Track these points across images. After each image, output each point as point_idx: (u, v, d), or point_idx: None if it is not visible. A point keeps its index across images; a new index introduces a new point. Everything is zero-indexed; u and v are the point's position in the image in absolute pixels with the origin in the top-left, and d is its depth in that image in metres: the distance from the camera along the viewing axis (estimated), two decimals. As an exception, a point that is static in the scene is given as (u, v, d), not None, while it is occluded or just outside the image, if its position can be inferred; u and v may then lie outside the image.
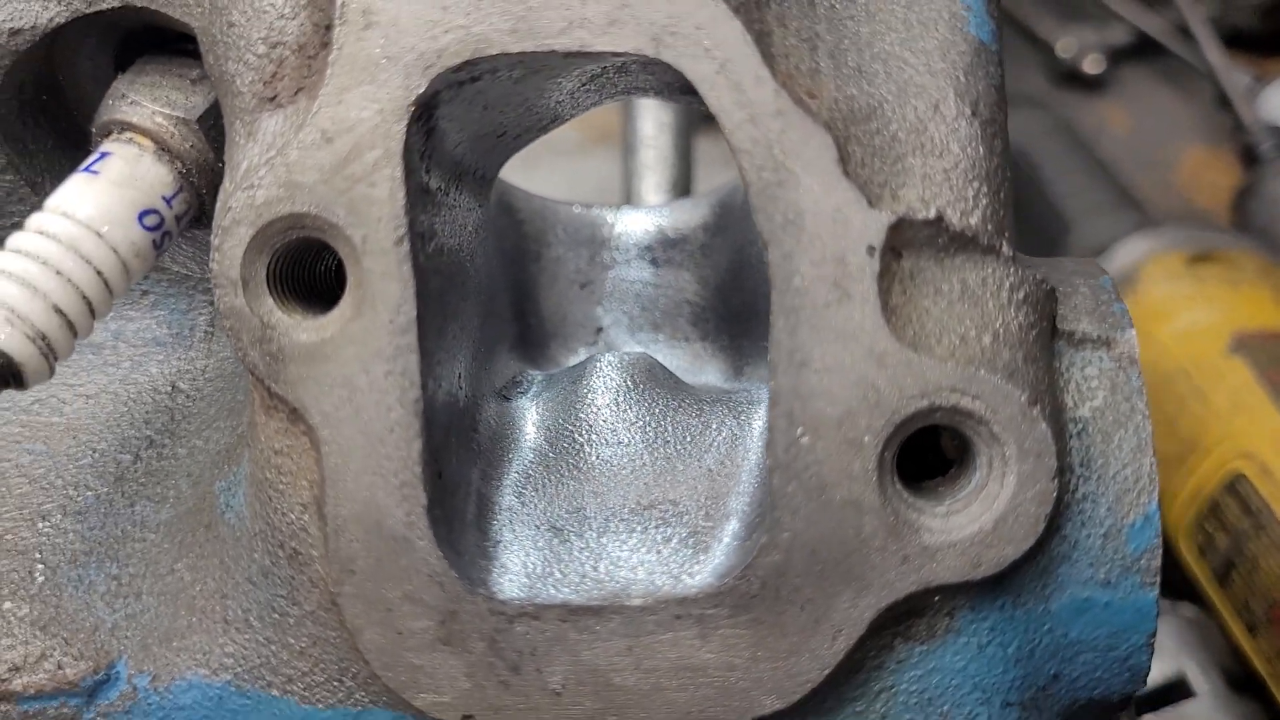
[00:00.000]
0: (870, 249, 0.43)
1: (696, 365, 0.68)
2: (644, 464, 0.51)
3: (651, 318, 0.68)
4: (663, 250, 0.69)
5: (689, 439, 0.52)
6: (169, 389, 0.56)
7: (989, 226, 0.45)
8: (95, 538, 0.53)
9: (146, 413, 0.56)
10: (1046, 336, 0.46)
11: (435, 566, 0.45)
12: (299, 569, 0.47)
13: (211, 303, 0.57)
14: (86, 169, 0.49)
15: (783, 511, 0.44)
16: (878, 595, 0.44)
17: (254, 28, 0.46)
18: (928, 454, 0.47)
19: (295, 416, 0.46)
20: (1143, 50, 1.47)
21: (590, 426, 0.53)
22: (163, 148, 0.50)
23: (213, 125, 0.51)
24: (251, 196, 0.45)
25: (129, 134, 0.50)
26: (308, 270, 0.48)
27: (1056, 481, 0.44)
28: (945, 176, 0.44)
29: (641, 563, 0.48)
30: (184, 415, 0.56)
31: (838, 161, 0.43)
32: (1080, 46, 1.42)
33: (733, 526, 0.48)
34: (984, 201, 0.45)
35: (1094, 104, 1.45)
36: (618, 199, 1.05)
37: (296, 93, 0.45)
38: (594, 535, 0.49)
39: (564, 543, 0.49)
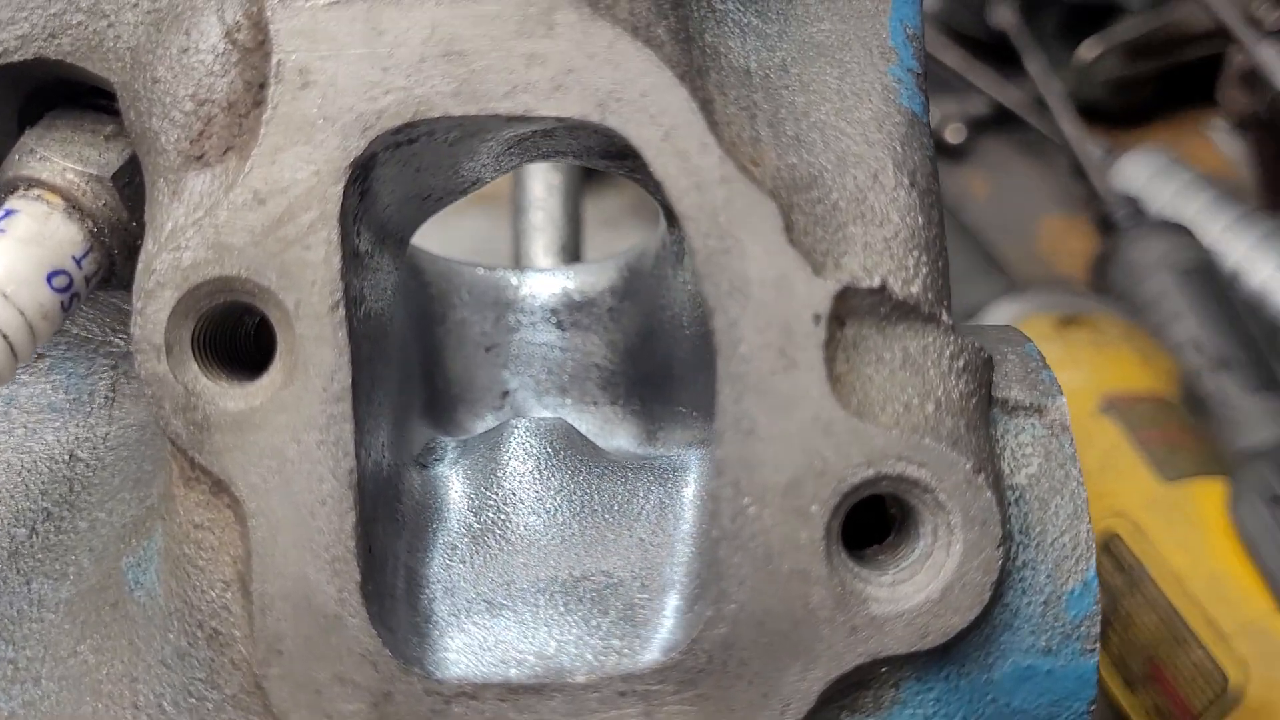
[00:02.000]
0: (816, 317, 0.43)
1: (607, 430, 0.67)
2: (573, 533, 0.50)
3: (559, 381, 0.68)
4: (568, 313, 0.69)
5: (616, 508, 0.51)
6: (67, 458, 0.53)
7: (929, 295, 0.45)
8: (-12, 619, 0.49)
9: (43, 483, 0.53)
10: (985, 404, 0.46)
11: (368, 645, 0.43)
12: (219, 650, 0.45)
13: (114, 366, 0.55)
14: (-10, 227, 0.47)
15: (729, 583, 0.43)
16: (826, 667, 0.44)
17: (181, 84, 0.44)
18: (860, 521, 0.47)
19: (219, 488, 0.44)
20: (1002, 121, 1.53)
21: (515, 496, 0.52)
22: (73, 205, 0.48)
23: (127, 183, 0.49)
24: (178, 258, 0.43)
25: (37, 190, 0.48)
26: (227, 334, 0.46)
27: (1002, 549, 0.44)
28: (886, 245, 0.45)
29: (578, 638, 0.47)
30: (84, 486, 0.53)
31: (783, 230, 0.43)
32: (942, 116, 1.47)
33: (673, 599, 0.47)
34: (924, 270, 0.45)
35: (956, 173, 1.49)
36: (495, 260, 1.04)
37: (225, 152, 0.44)
38: (528, 609, 0.48)
39: (497, 617, 0.47)
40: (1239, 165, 1.45)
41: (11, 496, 0.52)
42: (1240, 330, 1.21)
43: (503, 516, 0.51)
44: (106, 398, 0.54)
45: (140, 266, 0.44)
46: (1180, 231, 1.28)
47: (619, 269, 0.68)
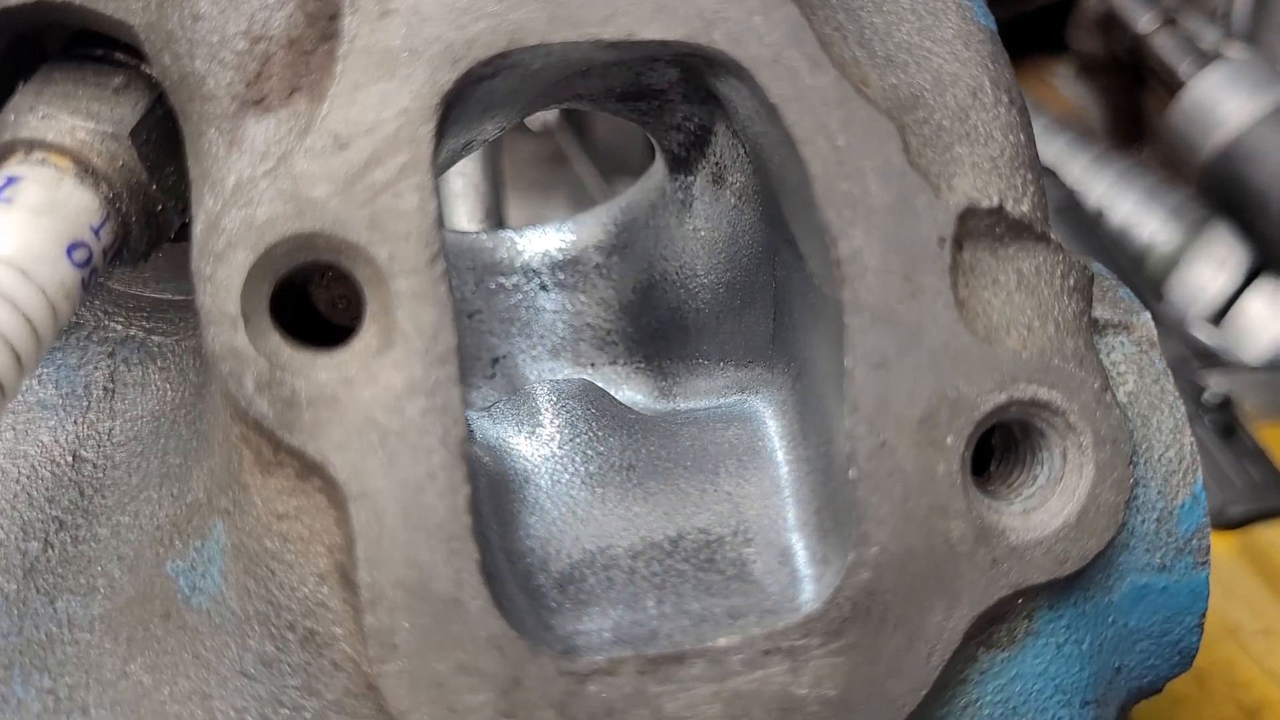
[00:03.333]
0: (940, 240, 0.41)
1: (611, 390, 0.64)
2: (653, 493, 0.47)
3: (550, 344, 0.64)
4: (551, 273, 0.65)
5: (690, 463, 0.48)
6: (70, 459, 0.47)
7: (1038, 214, 0.44)
8: (13, 646, 0.43)
9: (47, 490, 0.46)
10: (1091, 322, 0.45)
11: (493, 629, 0.39)
12: (317, 652, 0.40)
13: (110, 354, 0.49)
14: (-6, 197, 0.40)
15: (869, 524, 0.41)
16: (971, 604, 0.42)
17: (230, 20, 0.39)
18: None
19: (308, 471, 0.39)
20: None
21: (579, 459, 0.48)
22: (85, 169, 0.42)
23: (145, 140, 0.43)
24: (251, 215, 0.38)
25: (41, 154, 0.42)
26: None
27: (1132, 467, 0.43)
28: (994, 165, 0.43)
29: (697, 598, 0.44)
30: (96, 488, 0.47)
31: (902, 151, 0.41)
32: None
33: (791, 549, 0.45)
34: (1031, 189, 0.44)
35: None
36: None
37: (291, 94, 0.39)
38: (632, 575, 0.44)
39: (602, 586, 0.44)
40: (1085, 109, 1.50)
41: (14, 508, 0.46)
42: (1114, 267, 1.24)
43: (577, 480, 0.48)
44: (105, 389, 0.48)
45: (201, 227, 0.39)
46: (1047, 173, 1.31)
47: (603, 224, 0.65)
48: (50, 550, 0.45)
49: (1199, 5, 1.33)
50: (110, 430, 0.48)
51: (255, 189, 0.38)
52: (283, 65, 0.39)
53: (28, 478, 0.47)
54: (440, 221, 0.39)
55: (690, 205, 0.59)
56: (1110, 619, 0.45)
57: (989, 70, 0.44)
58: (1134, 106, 1.39)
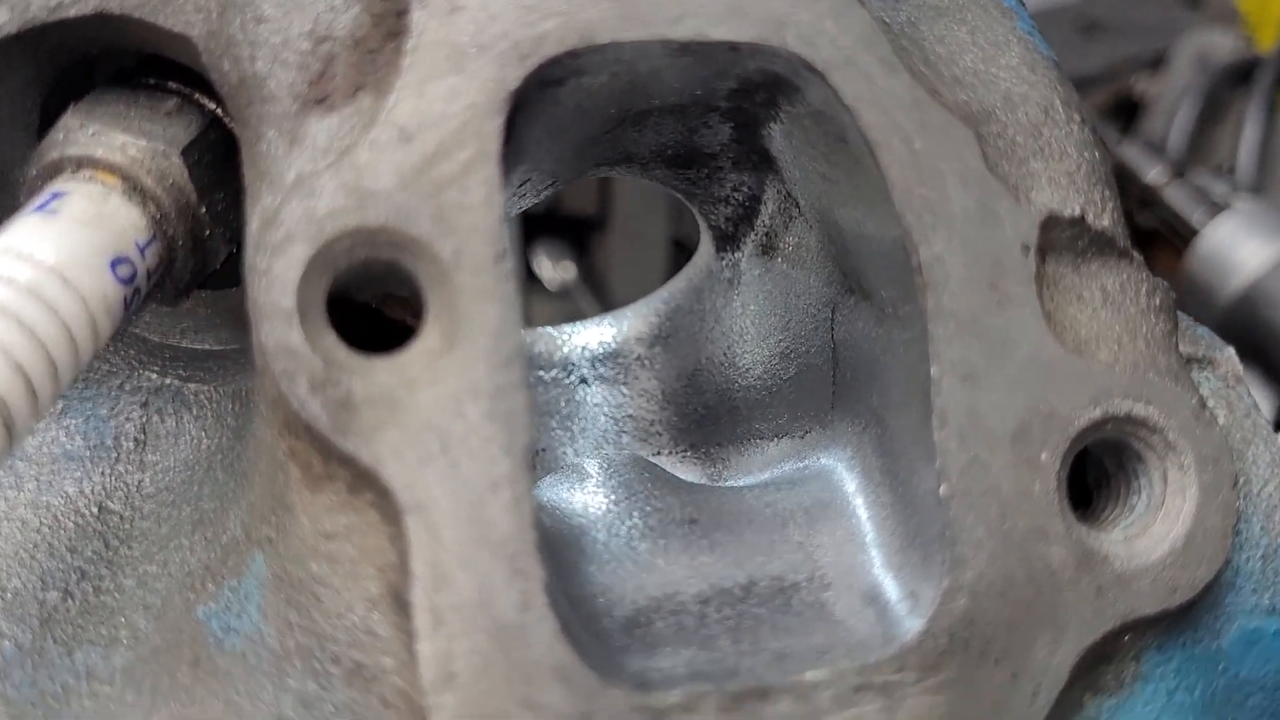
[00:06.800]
0: (1025, 248, 0.40)
1: None
2: (720, 543, 0.44)
3: (591, 437, 0.62)
4: (591, 367, 0.63)
5: (757, 517, 0.46)
6: (95, 510, 0.44)
7: (1119, 229, 0.42)
8: (25, 698, 0.39)
9: (70, 540, 0.43)
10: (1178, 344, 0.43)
11: (560, 658, 0.36)
12: (365, 688, 0.36)
13: (144, 404, 0.46)
14: (39, 209, 0.39)
15: (965, 547, 0.38)
16: (1077, 636, 0.39)
17: (294, 22, 0.38)
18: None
19: (360, 484, 0.36)
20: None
21: (637, 514, 0.46)
22: (134, 186, 0.40)
23: (196, 161, 0.41)
24: (311, 207, 0.36)
25: (88, 170, 0.40)
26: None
27: (1236, 490, 0.40)
28: (1070, 179, 0.42)
29: (775, 638, 0.40)
30: (122, 539, 0.43)
31: (981, 156, 0.40)
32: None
33: (877, 588, 0.41)
34: (1110, 205, 0.42)
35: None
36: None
37: (355, 92, 0.38)
38: (703, 620, 0.41)
39: (673, 630, 0.41)
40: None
41: (33, 557, 0.43)
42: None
43: (635, 532, 0.45)
44: (137, 440, 0.46)
45: (257, 223, 0.37)
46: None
47: (645, 316, 0.63)
48: (70, 600, 0.42)
49: (1204, 160, 1.35)
50: (140, 482, 0.45)
51: (317, 181, 0.36)
52: (347, 64, 0.38)
53: (49, 528, 0.43)
54: (506, 218, 0.37)
55: (738, 282, 0.58)
56: (1220, 666, 0.42)
57: (1058, 91, 0.44)
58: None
